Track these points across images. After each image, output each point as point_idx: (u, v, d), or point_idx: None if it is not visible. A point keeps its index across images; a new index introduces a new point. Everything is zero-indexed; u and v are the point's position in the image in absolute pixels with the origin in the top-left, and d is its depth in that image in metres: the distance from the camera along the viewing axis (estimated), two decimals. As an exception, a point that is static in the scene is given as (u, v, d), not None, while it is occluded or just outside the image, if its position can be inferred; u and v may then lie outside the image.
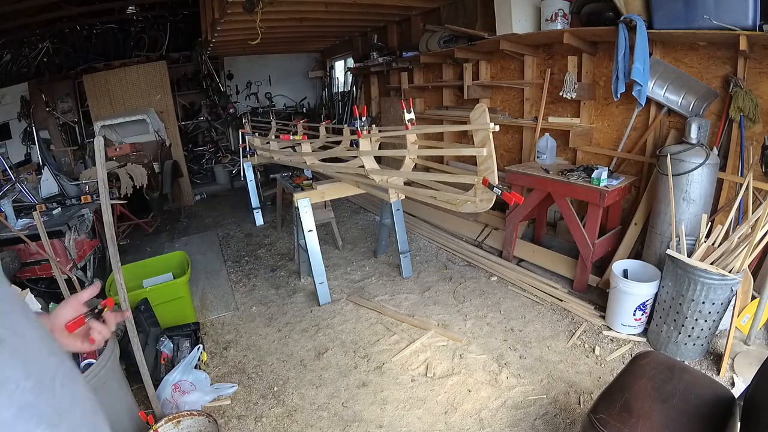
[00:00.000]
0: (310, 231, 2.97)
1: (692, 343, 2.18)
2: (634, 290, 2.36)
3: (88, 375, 1.60)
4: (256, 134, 4.72)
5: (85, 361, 1.63)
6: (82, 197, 3.23)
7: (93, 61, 6.35)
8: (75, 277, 2.24)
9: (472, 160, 1.90)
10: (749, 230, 2.08)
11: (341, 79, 7.75)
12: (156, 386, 2.01)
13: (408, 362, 2.40)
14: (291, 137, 3.77)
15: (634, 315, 2.40)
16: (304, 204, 2.99)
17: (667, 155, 2.40)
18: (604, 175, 2.69)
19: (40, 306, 2.08)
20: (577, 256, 2.95)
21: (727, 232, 2.23)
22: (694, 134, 2.40)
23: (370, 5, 4.50)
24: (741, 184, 2.29)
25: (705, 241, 2.24)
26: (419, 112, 5.01)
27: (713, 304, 2.07)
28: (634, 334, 2.45)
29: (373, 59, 5.44)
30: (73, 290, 2.10)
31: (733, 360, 2.18)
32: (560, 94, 3.14)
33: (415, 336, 2.61)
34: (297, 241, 3.44)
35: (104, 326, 0.82)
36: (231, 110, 7.23)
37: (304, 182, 3.31)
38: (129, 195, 4.02)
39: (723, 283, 2.01)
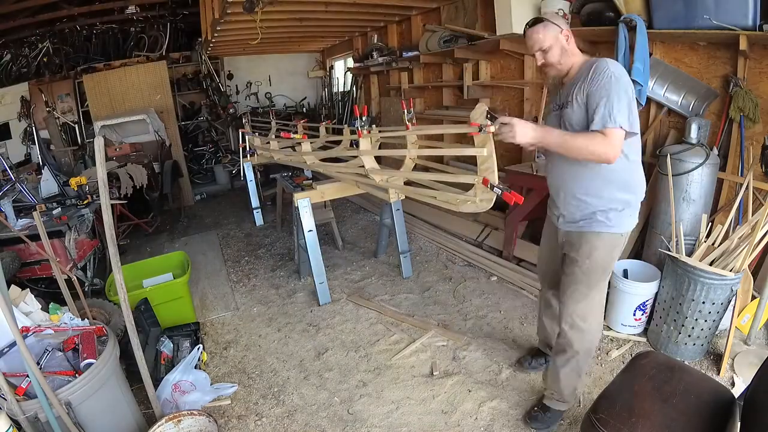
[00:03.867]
0: (310, 231, 2.97)
1: (692, 343, 2.18)
2: (634, 290, 2.36)
3: (88, 375, 1.60)
4: (256, 134, 4.72)
5: (86, 361, 1.63)
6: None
7: (93, 61, 6.35)
8: (75, 277, 2.23)
9: (472, 160, 1.90)
10: (749, 230, 2.08)
11: (341, 79, 7.74)
12: (156, 386, 2.00)
13: (408, 362, 2.40)
14: (292, 135, 3.77)
15: (634, 315, 2.40)
16: (304, 204, 2.99)
17: (667, 155, 2.40)
18: (604, 175, 2.69)
19: (40, 306, 2.07)
20: (577, 256, 2.94)
21: (727, 232, 2.23)
22: (694, 134, 2.40)
23: (370, 5, 4.50)
24: (741, 184, 2.29)
25: (705, 241, 2.24)
26: (419, 112, 5.01)
27: (713, 304, 2.07)
28: (634, 334, 2.45)
29: (373, 59, 5.43)
30: (73, 290, 2.09)
31: (733, 360, 2.18)
32: (560, 94, 3.13)
33: (415, 336, 2.61)
34: (297, 241, 3.44)
35: None
36: (231, 110, 7.22)
37: (304, 182, 3.31)
38: (129, 195, 4.02)
39: (723, 283, 2.01)
